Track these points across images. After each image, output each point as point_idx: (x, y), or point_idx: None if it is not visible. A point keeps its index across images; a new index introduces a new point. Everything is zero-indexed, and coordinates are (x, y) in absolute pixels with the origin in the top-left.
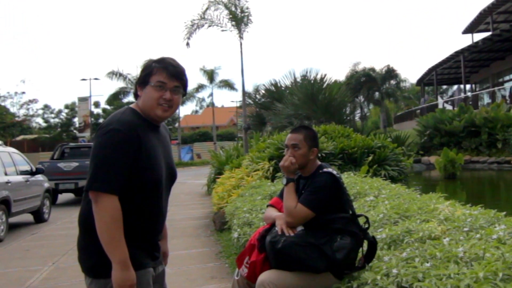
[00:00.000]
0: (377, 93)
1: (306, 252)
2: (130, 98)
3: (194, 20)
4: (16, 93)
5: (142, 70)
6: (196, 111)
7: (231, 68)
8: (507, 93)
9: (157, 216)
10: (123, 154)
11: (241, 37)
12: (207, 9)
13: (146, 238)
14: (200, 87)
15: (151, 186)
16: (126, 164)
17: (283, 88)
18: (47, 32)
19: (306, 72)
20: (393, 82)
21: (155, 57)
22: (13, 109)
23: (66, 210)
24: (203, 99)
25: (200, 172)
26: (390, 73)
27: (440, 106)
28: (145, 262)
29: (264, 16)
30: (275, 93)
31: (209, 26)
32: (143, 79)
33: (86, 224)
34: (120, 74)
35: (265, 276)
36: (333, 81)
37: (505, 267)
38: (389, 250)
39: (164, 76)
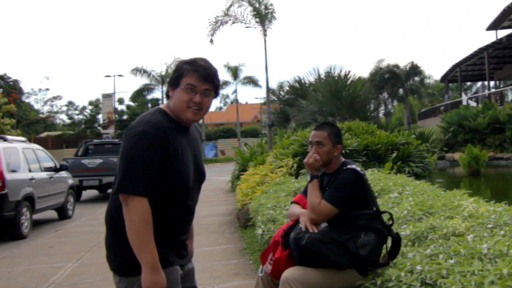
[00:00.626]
0: (401, 90)
1: (330, 248)
2: (154, 94)
3: (218, 17)
4: (40, 89)
5: (174, 71)
6: (220, 108)
7: (255, 65)
8: None
9: (185, 216)
10: (153, 156)
11: (265, 34)
12: (231, 5)
13: (174, 238)
14: (224, 83)
15: (178, 188)
16: (155, 166)
17: (307, 85)
18: (72, 28)
19: (330, 69)
20: (417, 78)
21: (179, 53)
22: (37, 106)
23: (90, 207)
24: (227, 96)
25: (224, 169)
26: (414, 69)
27: (464, 102)
28: (172, 260)
29: (287, 12)
30: (299, 90)
31: (233, 22)
32: (174, 81)
33: (114, 223)
34: (144, 71)
35: (289, 273)
36: (357, 77)
37: None
38: (413, 246)
39: (195, 78)
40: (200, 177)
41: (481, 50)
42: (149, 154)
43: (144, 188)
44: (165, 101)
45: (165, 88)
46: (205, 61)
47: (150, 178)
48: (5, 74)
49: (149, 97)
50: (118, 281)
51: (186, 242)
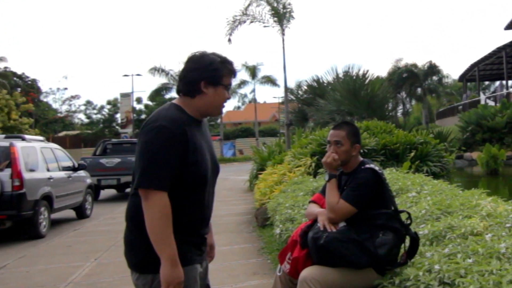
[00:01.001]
0: (419, 89)
1: (348, 248)
2: (173, 94)
3: (236, 16)
4: (58, 89)
5: (214, 69)
6: (238, 107)
7: (273, 64)
8: None
9: (205, 209)
10: (172, 150)
11: (283, 33)
12: (249, 5)
13: (195, 232)
14: (242, 83)
15: (198, 181)
16: (174, 160)
17: (325, 84)
18: (90, 27)
19: (348, 68)
20: (435, 78)
21: (202, 51)
22: (55, 105)
23: (108, 206)
24: (245, 95)
25: (242, 168)
26: (432, 69)
27: (482, 102)
28: (193, 258)
29: (306, 11)
30: (317, 89)
31: (251, 22)
32: (214, 78)
33: (135, 220)
34: (163, 70)
35: (308, 272)
36: (375, 77)
37: None
38: (431, 246)
39: (230, 78)
40: (216, 168)
41: (499, 50)
42: (168, 148)
43: (164, 183)
44: None
45: None
46: (231, 60)
47: (169, 173)
48: (23, 73)
49: (167, 96)
50: (136, 278)
51: (206, 236)
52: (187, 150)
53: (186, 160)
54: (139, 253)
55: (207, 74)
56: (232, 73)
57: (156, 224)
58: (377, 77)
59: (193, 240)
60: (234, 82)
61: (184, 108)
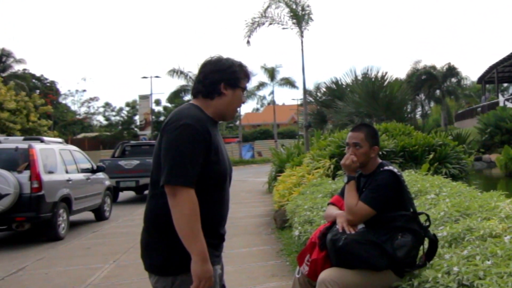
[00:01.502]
0: (438, 91)
1: (367, 250)
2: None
3: (254, 18)
4: (77, 91)
5: (233, 71)
6: (257, 109)
7: (292, 66)
8: None
9: (225, 207)
10: (197, 147)
11: (301, 35)
12: (268, 7)
13: (216, 232)
14: (261, 85)
15: (219, 179)
16: (200, 158)
17: (344, 86)
18: (108, 30)
19: (367, 70)
20: (454, 80)
21: (216, 55)
22: (74, 107)
23: (127, 208)
24: (264, 97)
25: (261, 170)
26: (451, 71)
27: (501, 104)
28: (212, 260)
29: (324, 13)
30: (336, 91)
31: (270, 24)
32: (234, 80)
33: (155, 222)
34: (181, 72)
35: (326, 274)
36: (394, 79)
37: None
38: (450, 248)
39: (246, 81)
40: (231, 169)
41: None
42: (194, 146)
43: (192, 179)
44: None
45: None
46: (246, 65)
47: (196, 170)
48: (42, 75)
49: (186, 98)
50: (155, 281)
51: (225, 237)
52: (210, 149)
53: (209, 159)
54: (159, 255)
55: (226, 76)
56: (248, 77)
57: (186, 220)
58: (396, 79)
59: (213, 241)
60: (253, 84)
61: (203, 109)
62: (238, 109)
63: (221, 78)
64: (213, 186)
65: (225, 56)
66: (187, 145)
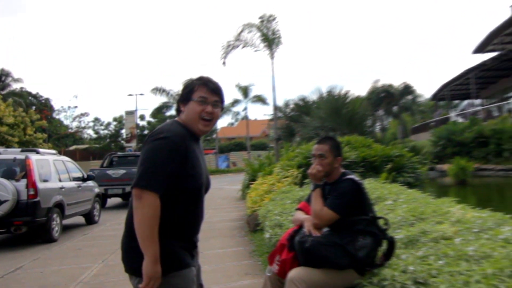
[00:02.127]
0: (395, 107)
1: (331, 251)
2: (173, 111)
3: (230, 41)
4: (69, 107)
5: (184, 88)
6: (232, 124)
7: (264, 84)
8: None
9: (198, 218)
10: (171, 159)
11: (272, 57)
12: (241, 31)
13: (189, 238)
14: (236, 102)
15: (194, 192)
16: (171, 169)
17: (310, 103)
18: (98, 51)
19: (331, 89)
20: (409, 97)
21: (195, 74)
22: (66, 122)
23: (114, 213)
24: (238, 113)
25: (235, 179)
26: (407, 89)
27: (452, 119)
28: (189, 261)
29: (293, 36)
30: (303, 107)
31: (243, 46)
32: (186, 96)
33: (133, 226)
34: (163, 90)
35: (294, 273)
36: (355, 96)
37: (511, 265)
38: (406, 249)
39: (205, 91)
40: (208, 184)
41: (468, 72)
42: (168, 156)
43: (159, 186)
44: None
45: None
46: (210, 77)
47: (165, 179)
48: (37, 93)
49: (168, 114)
50: (137, 282)
51: (197, 243)
52: (186, 162)
53: (184, 172)
54: (139, 258)
55: (182, 95)
56: (205, 86)
57: (146, 223)
58: (357, 96)
59: (187, 246)
60: (228, 101)
61: (184, 125)
62: (203, 115)
63: (179, 98)
64: (188, 198)
65: (199, 76)
66: (161, 155)
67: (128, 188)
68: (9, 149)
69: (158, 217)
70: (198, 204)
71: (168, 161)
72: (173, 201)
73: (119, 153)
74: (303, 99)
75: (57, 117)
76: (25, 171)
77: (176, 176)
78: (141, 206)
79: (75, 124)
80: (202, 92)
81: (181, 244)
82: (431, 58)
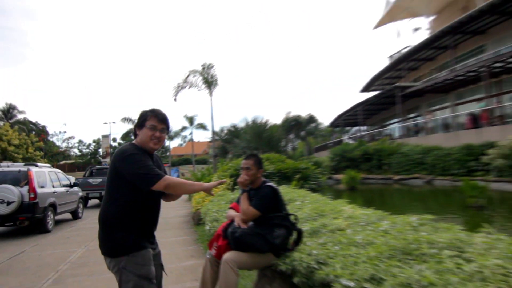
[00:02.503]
0: (302, 132)
1: (255, 239)
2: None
3: (179, 83)
4: (60, 132)
5: (140, 117)
6: (181, 144)
7: (205, 115)
8: (389, 132)
9: (154, 212)
10: (145, 159)
11: (211, 94)
12: (188, 76)
13: (146, 228)
14: (184, 128)
15: (151, 191)
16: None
17: (239, 129)
18: (81, 89)
19: (255, 118)
20: (313, 125)
21: (151, 106)
22: (58, 143)
23: (93, 211)
24: (185, 136)
25: None
26: (311, 119)
27: (345, 141)
28: (146, 244)
29: (227, 77)
30: (234, 132)
31: (190, 87)
32: (141, 123)
33: (107, 221)
34: (130, 119)
35: (228, 255)
36: (273, 124)
37: (388, 249)
38: (311, 238)
39: (155, 121)
40: None
41: (356, 106)
42: (143, 158)
43: (158, 173)
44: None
45: None
46: (160, 110)
47: (154, 167)
48: (36, 121)
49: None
50: (109, 261)
51: (155, 233)
52: None
53: None
54: (110, 244)
55: (138, 122)
56: (155, 117)
57: (185, 187)
58: (274, 124)
59: (145, 234)
60: (177, 127)
61: (138, 145)
62: (153, 138)
63: (136, 124)
64: (148, 195)
65: (152, 107)
66: (140, 159)
67: (103, 193)
68: (15, 164)
69: (184, 180)
70: (155, 202)
71: (146, 159)
72: (135, 197)
73: (97, 166)
74: (234, 126)
75: (51, 139)
76: (27, 179)
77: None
78: (171, 187)
79: (64, 144)
80: (153, 121)
81: (140, 232)
82: (330, 95)
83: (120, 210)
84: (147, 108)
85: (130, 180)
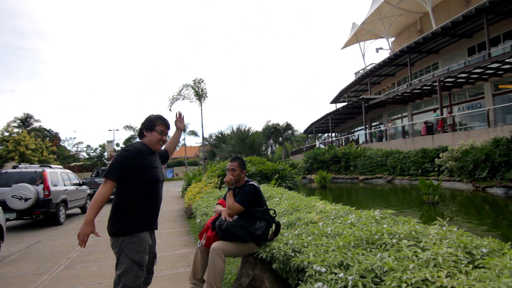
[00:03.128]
0: (280, 138)
1: (239, 230)
2: (137, 140)
3: (174, 95)
4: (70, 138)
5: (149, 121)
6: (175, 149)
7: (196, 123)
8: (355, 138)
9: (157, 200)
10: (125, 161)
11: (201, 105)
12: (181, 89)
13: (154, 215)
14: None
15: (154, 181)
16: (124, 167)
17: (225, 135)
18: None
19: (239, 126)
20: (290, 131)
21: (149, 114)
22: (68, 147)
23: None
24: (179, 142)
25: (178, 184)
26: (288, 126)
27: (317, 146)
28: (145, 227)
29: (216, 91)
30: (221, 138)
31: (183, 99)
32: (150, 127)
33: (115, 208)
34: (131, 127)
35: (215, 245)
36: (255, 131)
37: (355, 239)
38: (287, 229)
39: (164, 127)
40: (162, 177)
41: (327, 115)
42: (123, 160)
43: (114, 177)
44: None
45: None
46: (165, 117)
47: (119, 173)
48: (50, 129)
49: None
50: (113, 241)
51: (156, 222)
52: (143, 164)
53: (144, 168)
54: (114, 226)
55: (146, 124)
56: (164, 123)
57: (97, 198)
58: (256, 131)
59: (148, 220)
60: (172, 134)
61: (145, 144)
62: (160, 142)
63: (144, 126)
64: (151, 185)
65: (156, 114)
66: (119, 159)
67: None
68: (32, 165)
69: (107, 197)
70: (157, 190)
71: (122, 163)
72: (138, 187)
73: (103, 168)
74: (221, 133)
75: (62, 144)
76: (42, 179)
77: (137, 170)
78: (101, 187)
79: (74, 149)
80: (162, 127)
81: (144, 217)
82: (304, 106)
83: (130, 199)
84: (147, 113)
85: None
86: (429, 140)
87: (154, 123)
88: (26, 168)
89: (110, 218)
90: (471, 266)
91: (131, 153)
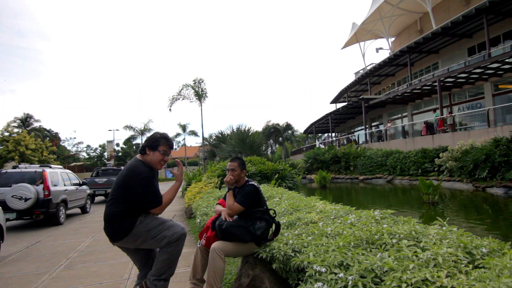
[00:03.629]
0: (280, 138)
1: (239, 230)
2: (137, 141)
3: (174, 95)
4: (70, 138)
5: (153, 139)
6: (175, 149)
7: (196, 123)
8: (356, 138)
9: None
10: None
11: (201, 105)
12: (181, 89)
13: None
14: (178, 134)
15: (156, 199)
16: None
17: (225, 135)
18: (89, 101)
19: (239, 126)
20: (290, 131)
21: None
22: (68, 147)
23: (100, 206)
24: (179, 142)
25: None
26: (288, 126)
27: (317, 146)
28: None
29: (216, 91)
30: (221, 138)
31: (183, 99)
32: (153, 145)
33: (110, 216)
34: (131, 127)
35: (216, 245)
36: (255, 131)
37: (355, 239)
38: (288, 229)
39: (167, 147)
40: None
41: (327, 115)
42: (154, 182)
43: (161, 195)
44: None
45: (143, 138)
46: (170, 137)
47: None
48: (50, 129)
49: (134, 142)
50: (125, 241)
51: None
52: (152, 181)
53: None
54: (120, 231)
55: (150, 143)
56: (167, 144)
57: (170, 200)
58: (256, 131)
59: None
60: (172, 134)
61: (145, 162)
62: (162, 162)
63: (147, 144)
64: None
65: (161, 132)
66: (150, 183)
67: (108, 190)
68: (32, 165)
69: (168, 196)
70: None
71: (154, 183)
72: (141, 206)
73: (103, 168)
74: (221, 133)
75: (62, 144)
76: (42, 179)
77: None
78: (164, 207)
79: (74, 149)
80: (165, 148)
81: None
82: (305, 106)
83: (123, 210)
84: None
85: (139, 199)
86: (429, 140)
87: (158, 143)
88: (26, 168)
89: (109, 229)
90: (471, 266)
91: (149, 175)
